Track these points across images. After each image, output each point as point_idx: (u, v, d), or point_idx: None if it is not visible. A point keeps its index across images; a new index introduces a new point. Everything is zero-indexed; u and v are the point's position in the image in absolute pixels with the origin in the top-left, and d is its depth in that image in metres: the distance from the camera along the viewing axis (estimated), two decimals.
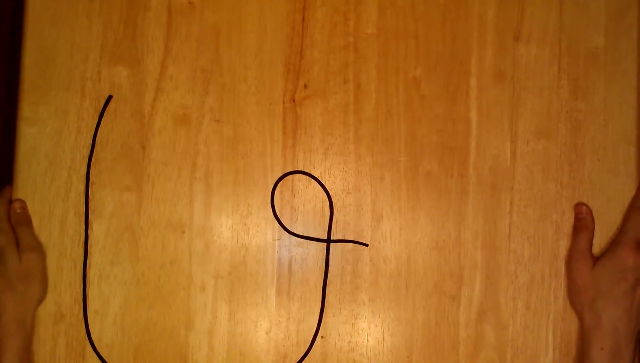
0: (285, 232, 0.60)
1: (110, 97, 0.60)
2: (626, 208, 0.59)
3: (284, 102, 0.60)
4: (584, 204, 0.59)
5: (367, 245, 0.59)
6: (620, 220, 0.59)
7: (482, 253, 0.59)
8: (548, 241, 0.59)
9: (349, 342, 0.59)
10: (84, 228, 0.59)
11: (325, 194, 0.60)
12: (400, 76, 0.60)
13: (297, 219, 0.60)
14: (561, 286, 0.59)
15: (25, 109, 0.60)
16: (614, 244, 0.57)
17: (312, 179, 0.60)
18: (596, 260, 0.57)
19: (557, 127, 0.60)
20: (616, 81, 0.60)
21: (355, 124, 0.60)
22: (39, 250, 0.58)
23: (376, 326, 0.59)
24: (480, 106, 0.60)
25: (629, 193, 0.59)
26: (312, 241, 0.60)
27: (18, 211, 0.59)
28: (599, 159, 0.60)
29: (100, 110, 0.60)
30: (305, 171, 0.60)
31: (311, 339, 0.59)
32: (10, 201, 0.59)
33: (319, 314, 0.59)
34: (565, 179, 0.60)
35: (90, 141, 0.60)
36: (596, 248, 0.59)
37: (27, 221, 0.59)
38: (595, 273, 0.56)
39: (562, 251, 0.59)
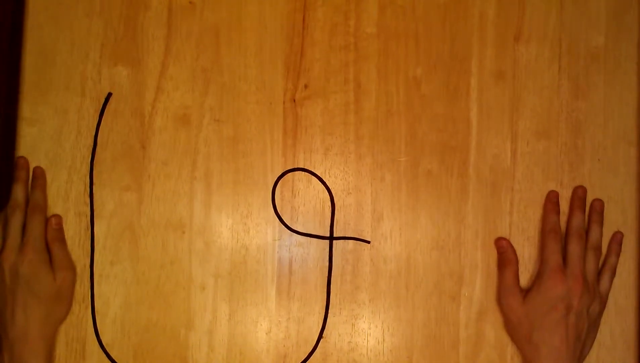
0: (286, 232, 0.59)
1: (109, 95, 0.60)
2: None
3: (284, 102, 0.60)
4: (503, 238, 0.58)
5: (369, 242, 0.59)
6: (620, 220, 0.59)
7: (482, 252, 0.59)
8: None
9: (349, 342, 0.59)
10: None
11: (325, 194, 0.60)
12: (401, 75, 0.60)
13: (297, 219, 0.60)
14: None
15: (26, 109, 0.60)
16: (539, 275, 0.56)
17: (312, 180, 0.60)
18: (525, 292, 0.57)
19: (557, 127, 0.60)
20: (616, 80, 0.60)
21: (355, 123, 0.60)
22: (72, 268, 0.58)
23: (376, 326, 0.59)
24: (481, 105, 0.60)
25: (629, 193, 0.59)
26: (312, 241, 0.59)
27: (55, 227, 0.58)
28: (599, 159, 0.60)
29: (101, 108, 0.60)
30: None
31: (312, 338, 0.59)
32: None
33: (321, 312, 0.59)
34: (565, 179, 0.60)
35: (90, 140, 0.60)
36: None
37: (62, 238, 0.58)
38: (526, 307, 0.55)
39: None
